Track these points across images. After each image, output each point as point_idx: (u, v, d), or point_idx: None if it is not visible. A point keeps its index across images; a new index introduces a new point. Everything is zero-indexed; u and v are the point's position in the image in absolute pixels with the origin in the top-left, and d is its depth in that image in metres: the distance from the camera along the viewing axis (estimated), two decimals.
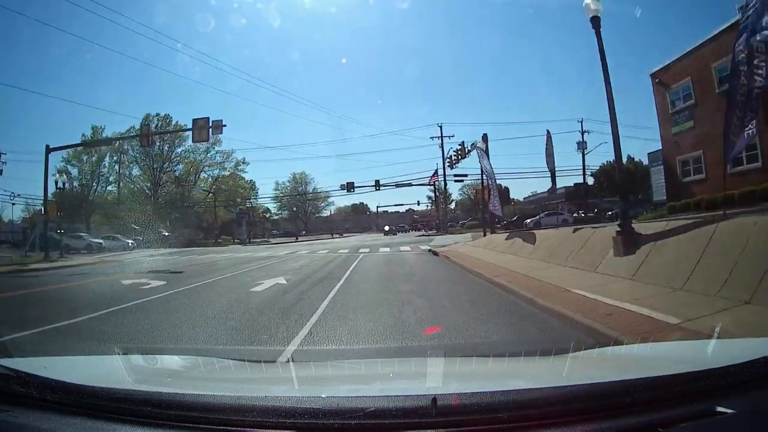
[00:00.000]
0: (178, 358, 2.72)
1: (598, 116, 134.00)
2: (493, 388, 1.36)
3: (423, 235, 44.24)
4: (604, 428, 1.20)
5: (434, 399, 1.20)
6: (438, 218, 54.83)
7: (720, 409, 1.23)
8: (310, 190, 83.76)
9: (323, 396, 1.42)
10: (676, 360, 1.86)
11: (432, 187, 61.26)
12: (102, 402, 1.34)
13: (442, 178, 51.16)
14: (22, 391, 1.40)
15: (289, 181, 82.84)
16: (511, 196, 69.25)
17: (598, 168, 58.13)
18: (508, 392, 1.30)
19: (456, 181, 48.94)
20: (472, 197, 73.42)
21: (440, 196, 59.87)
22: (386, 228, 67.49)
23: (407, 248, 22.99)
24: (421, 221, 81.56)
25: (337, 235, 66.23)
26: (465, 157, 35.28)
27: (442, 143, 50.62)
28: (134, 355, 3.05)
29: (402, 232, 68.10)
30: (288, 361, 3.85)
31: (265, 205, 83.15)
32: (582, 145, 49.84)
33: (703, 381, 1.34)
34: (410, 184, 54.56)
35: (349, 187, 51.38)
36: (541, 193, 72.85)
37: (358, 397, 1.35)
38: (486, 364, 2.51)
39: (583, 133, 50.55)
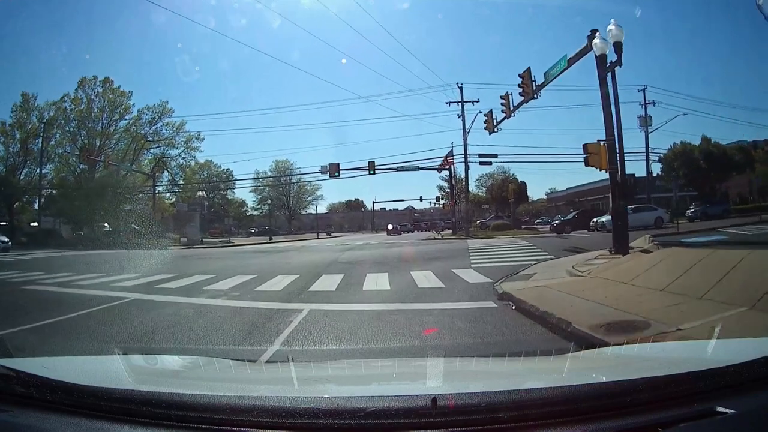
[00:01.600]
0: (178, 358, 2.73)
1: (666, 82, 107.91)
2: (493, 388, 1.36)
3: (433, 239, 33.02)
4: (604, 428, 1.21)
5: (434, 399, 1.21)
6: (453, 215, 42.20)
7: (720, 409, 1.23)
8: (295, 182, 70.32)
9: (323, 396, 1.42)
10: (676, 360, 1.87)
11: (445, 174, 46.26)
12: (102, 402, 1.34)
13: (462, 158, 35.95)
14: (22, 391, 1.40)
15: (271, 170, 67.72)
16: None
17: (668, 150, 43.81)
18: (508, 392, 1.30)
19: (482, 163, 35.45)
20: (490, 189, 60.40)
21: (457, 185, 45.12)
22: (389, 227, 58.78)
23: (430, 278, 9.89)
24: (424, 220, 72.58)
25: (324, 235, 56.92)
26: (533, 96, 18.48)
27: (462, 110, 35.14)
28: (134, 355, 3.05)
29: (405, 232, 59.04)
30: (288, 362, 3.86)
31: (242, 198, 74.32)
32: (644, 121, 38.14)
33: (703, 381, 1.34)
34: (417, 168, 39.69)
35: (333, 170, 35.68)
36: (574, 188, 63.06)
37: (358, 397, 1.35)
38: (486, 364, 2.52)
39: (645, 104, 38.19)
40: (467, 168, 36.94)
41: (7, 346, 4.73)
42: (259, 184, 68.62)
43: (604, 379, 1.52)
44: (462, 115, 35.52)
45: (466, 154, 35.71)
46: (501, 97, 21.65)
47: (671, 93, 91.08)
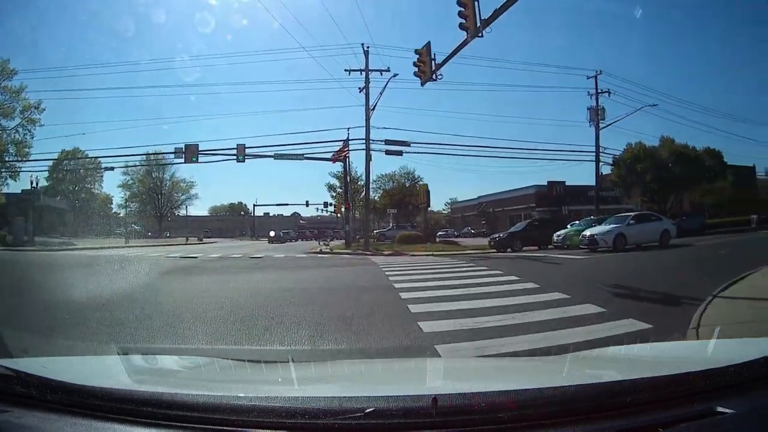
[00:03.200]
0: (178, 358, 2.73)
1: (622, 67, 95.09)
2: (493, 388, 1.37)
3: (320, 253, 25.23)
4: (604, 428, 1.21)
5: (434, 399, 1.21)
6: (347, 222, 33.00)
7: (720, 409, 1.24)
8: (168, 178, 63.86)
9: (323, 396, 1.42)
10: (676, 360, 1.88)
11: (338, 171, 38.32)
12: (102, 402, 1.34)
13: (363, 143, 27.10)
14: (22, 391, 1.40)
15: (141, 163, 55.76)
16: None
17: (623, 150, 36.52)
18: (508, 392, 1.30)
19: (389, 152, 27.78)
20: (390, 193, 49.41)
21: (353, 185, 36.75)
22: (271, 233, 52.78)
23: None
24: (310, 227, 65.59)
25: (195, 241, 49.64)
26: None
27: (366, 79, 26.65)
28: (134, 355, 3.06)
29: (288, 240, 51.83)
30: (288, 361, 3.87)
31: (110, 194, 65.93)
32: (596, 114, 30.94)
33: (703, 381, 1.35)
34: (302, 156, 29.87)
35: (191, 153, 27.99)
36: (485, 196, 57.29)
37: (358, 397, 1.35)
38: (486, 364, 2.53)
39: (597, 93, 31.35)
40: (369, 159, 27.16)
41: (7, 346, 4.74)
42: (126, 173, 59.01)
43: (604, 379, 1.53)
44: (366, 87, 26.73)
45: (368, 139, 26.57)
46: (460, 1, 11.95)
47: (632, 84, 77.74)
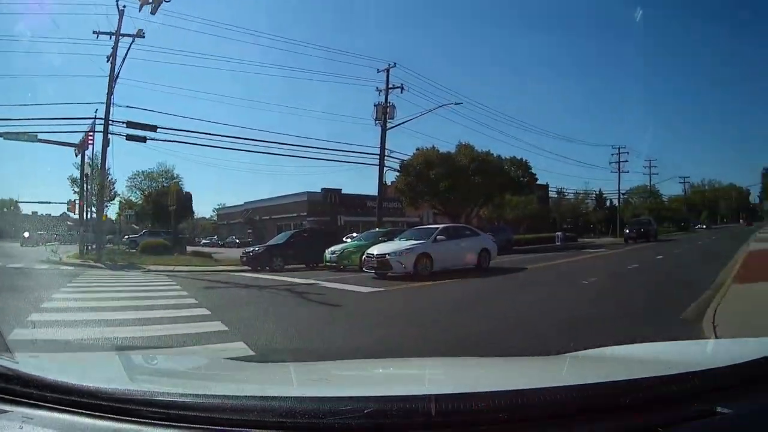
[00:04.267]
0: (178, 358, 2.74)
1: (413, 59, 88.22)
2: (493, 388, 1.37)
3: (52, 262, 21.24)
4: (604, 428, 1.21)
5: (434, 399, 1.21)
6: (82, 224, 28.66)
7: (720, 409, 1.24)
8: None
9: (323, 396, 1.42)
10: (676, 360, 1.88)
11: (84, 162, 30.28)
12: (102, 401, 1.34)
13: (101, 129, 22.50)
14: (22, 391, 1.40)
15: None
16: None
17: (415, 154, 31.50)
18: (508, 392, 1.31)
19: (130, 137, 22.60)
20: (148, 195, 43.63)
21: (94, 172, 29.49)
22: (25, 235, 46.70)
23: None
24: (77, 229, 51.38)
25: None
26: None
27: (116, 44, 22.30)
28: (134, 354, 3.07)
29: (44, 242, 44.84)
30: (288, 361, 3.88)
31: None
32: (383, 112, 26.73)
33: (703, 381, 1.35)
34: (35, 137, 23.23)
35: None
36: (252, 203, 52.39)
37: (357, 397, 1.35)
38: (486, 364, 2.54)
39: (387, 89, 26.98)
40: (107, 144, 22.42)
41: (7, 345, 4.71)
42: None
43: (603, 379, 1.53)
44: (113, 55, 22.24)
45: (107, 119, 21.82)
46: None
47: (436, 85, 70.08)
